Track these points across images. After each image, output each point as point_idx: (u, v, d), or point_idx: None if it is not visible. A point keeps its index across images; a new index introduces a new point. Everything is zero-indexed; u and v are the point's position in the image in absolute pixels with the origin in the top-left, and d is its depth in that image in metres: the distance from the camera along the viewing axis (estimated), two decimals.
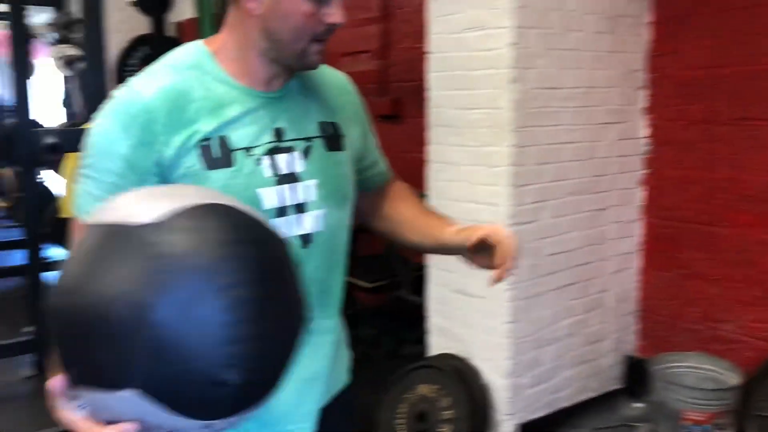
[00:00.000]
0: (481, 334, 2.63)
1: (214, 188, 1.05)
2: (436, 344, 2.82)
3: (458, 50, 2.58)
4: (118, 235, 0.80)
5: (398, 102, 3.88)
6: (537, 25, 2.48)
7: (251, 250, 0.83)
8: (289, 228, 1.14)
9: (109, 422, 0.81)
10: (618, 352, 3.00)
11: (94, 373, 0.79)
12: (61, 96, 5.42)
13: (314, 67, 1.15)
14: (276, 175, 1.12)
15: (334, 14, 1.08)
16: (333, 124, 1.22)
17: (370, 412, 2.75)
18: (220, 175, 1.08)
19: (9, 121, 5.31)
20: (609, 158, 2.82)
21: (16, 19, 3.50)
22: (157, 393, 0.77)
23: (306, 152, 1.16)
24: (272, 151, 1.13)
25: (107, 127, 1.07)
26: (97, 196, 1.05)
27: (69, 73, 5.05)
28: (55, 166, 4.09)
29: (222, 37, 1.14)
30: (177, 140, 1.06)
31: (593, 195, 2.78)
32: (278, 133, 1.14)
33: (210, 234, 0.81)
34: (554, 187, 2.62)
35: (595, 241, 2.81)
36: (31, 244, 3.49)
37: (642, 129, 2.95)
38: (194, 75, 1.10)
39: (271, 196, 1.11)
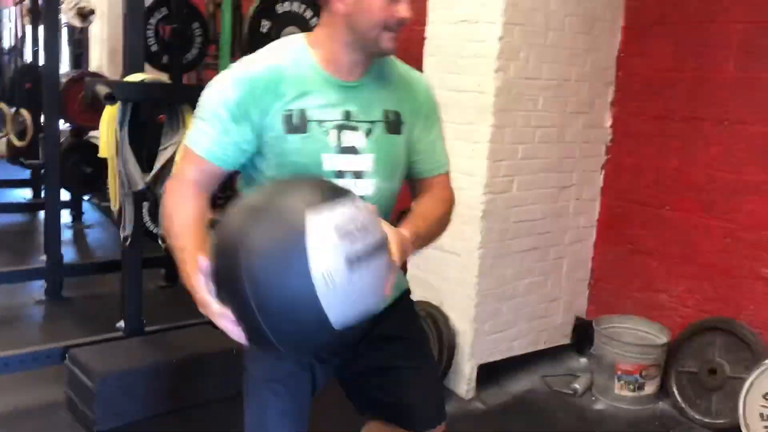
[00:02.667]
0: (453, 286, 3.05)
1: (291, 148, 1.43)
2: (414, 293, 3.22)
3: (452, 39, 2.96)
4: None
5: None
6: (522, 22, 2.86)
7: None
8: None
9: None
10: (569, 312, 3.44)
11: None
12: (70, 46, 5.66)
13: (388, 53, 1.50)
14: (339, 146, 1.47)
15: (402, 10, 1.43)
16: (396, 113, 1.54)
17: None
18: (296, 137, 1.44)
19: (22, 64, 5.59)
20: (575, 143, 3.23)
21: None
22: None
23: (368, 132, 1.50)
24: (340, 128, 1.47)
25: (223, 87, 1.45)
26: (209, 134, 1.44)
27: (81, 24, 5.28)
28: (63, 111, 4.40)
29: (316, 33, 1.51)
30: (269, 106, 1.44)
31: (559, 174, 3.19)
32: (347, 115, 1.48)
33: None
34: (525, 164, 3.03)
35: (556, 214, 3.23)
36: (51, 183, 3.82)
37: (606, 120, 3.36)
38: (291, 60, 1.47)
39: (331, 161, 1.46)
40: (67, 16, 5.20)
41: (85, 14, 5.10)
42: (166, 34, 3.99)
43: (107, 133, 2.67)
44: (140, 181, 2.68)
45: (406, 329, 1.71)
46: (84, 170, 5.13)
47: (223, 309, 1.19)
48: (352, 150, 1.48)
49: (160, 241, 2.94)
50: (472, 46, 2.89)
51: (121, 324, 2.95)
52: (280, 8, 3.04)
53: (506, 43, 2.82)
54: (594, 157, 3.34)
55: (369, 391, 1.67)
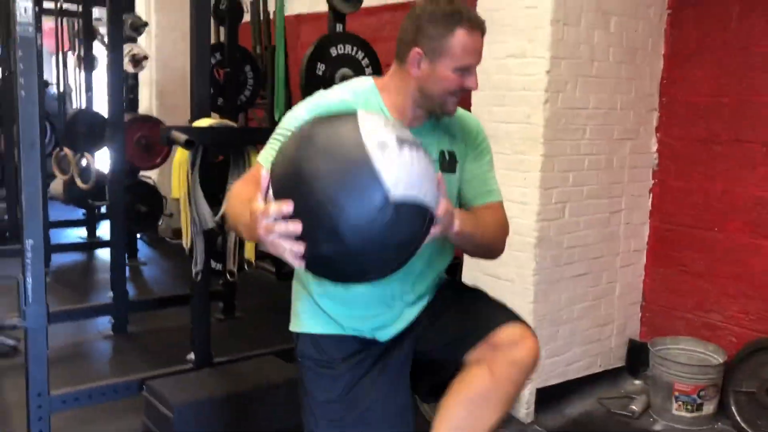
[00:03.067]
0: None
1: None
2: None
3: (500, 73, 3.08)
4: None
5: None
6: (568, 55, 2.97)
7: None
8: None
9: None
10: (622, 335, 3.49)
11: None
12: (126, 91, 5.89)
13: (450, 114, 1.65)
14: None
15: (471, 82, 1.59)
16: (451, 152, 1.69)
17: None
18: None
19: (78, 109, 5.85)
20: (623, 169, 3.32)
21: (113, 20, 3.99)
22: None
23: None
24: None
25: (299, 111, 1.60)
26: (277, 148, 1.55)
27: (134, 70, 5.52)
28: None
29: (386, 80, 1.66)
30: None
31: (608, 199, 3.27)
32: None
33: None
34: (575, 191, 3.12)
35: (607, 239, 3.30)
36: (116, 222, 4.01)
37: (652, 145, 3.44)
38: (362, 99, 1.62)
39: None
40: (124, 63, 5.43)
41: (139, 60, 5.34)
42: (220, 77, 4.20)
43: (179, 175, 2.83)
44: (210, 219, 2.83)
45: (448, 296, 1.82)
46: (138, 209, 5.33)
47: (282, 221, 1.19)
48: None
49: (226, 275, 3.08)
50: (520, 79, 3.00)
51: (191, 356, 3.08)
52: (334, 51, 3.21)
53: (553, 76, 2.93)
54: (641, 181, 3.42)
55: (440, 347, 1.74)
